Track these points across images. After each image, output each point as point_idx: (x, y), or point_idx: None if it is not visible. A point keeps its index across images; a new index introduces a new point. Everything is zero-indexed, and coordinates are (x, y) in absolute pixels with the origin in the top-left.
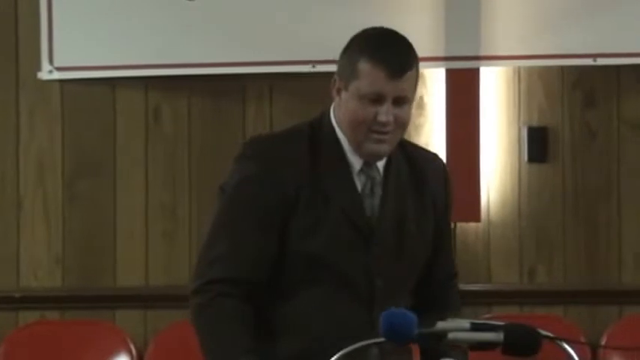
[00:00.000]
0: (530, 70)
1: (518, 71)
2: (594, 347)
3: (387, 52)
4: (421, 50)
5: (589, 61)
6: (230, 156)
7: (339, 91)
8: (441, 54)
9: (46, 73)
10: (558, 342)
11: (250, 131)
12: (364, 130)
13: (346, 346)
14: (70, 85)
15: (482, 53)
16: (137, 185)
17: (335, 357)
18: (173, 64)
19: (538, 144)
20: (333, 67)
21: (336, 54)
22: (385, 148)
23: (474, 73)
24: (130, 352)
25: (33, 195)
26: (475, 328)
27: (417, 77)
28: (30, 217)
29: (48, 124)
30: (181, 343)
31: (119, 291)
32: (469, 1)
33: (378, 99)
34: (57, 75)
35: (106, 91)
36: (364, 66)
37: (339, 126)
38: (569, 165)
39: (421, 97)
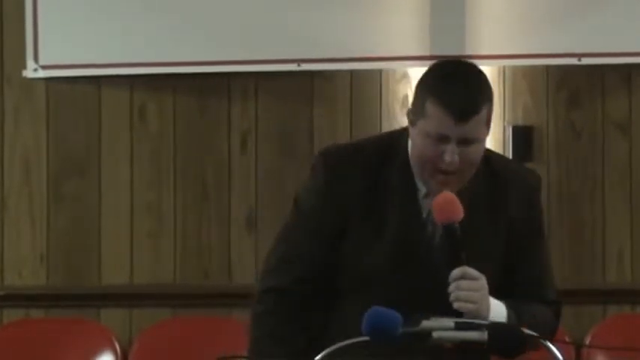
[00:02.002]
0: (515, 70)
1: (503, 70)
2: (578, 347)
3: (455, 96)
4: (406, 49)
5: (574, 61)
6: (215, 154)
7: (412, 123)
8: (427, 53)
9: (31, 72)
10: (542, 341)
11: (236, 130)
12: (430, 168)
13: None
14: (55, 83)
15: (468, 52)
16: (122, 184)
17: (319, 356)
18: (158, 63)
19: (523, 143)
20: (318, 66)
21: (321, 53)
22: (450, 189)
23: None
24: (114, 351)
25: (18, 193)
26: (459, 327)
27: (488, 115)
28: (14, 215)
29: (33, 122)
30: (166, 342)
31: (104, 289)
32: (454, 1)
33: (443, 139)
34: (42, 73)
35: (91, 89)
36: (431, 107)
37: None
38: (553, 164)
39: (406, 97)
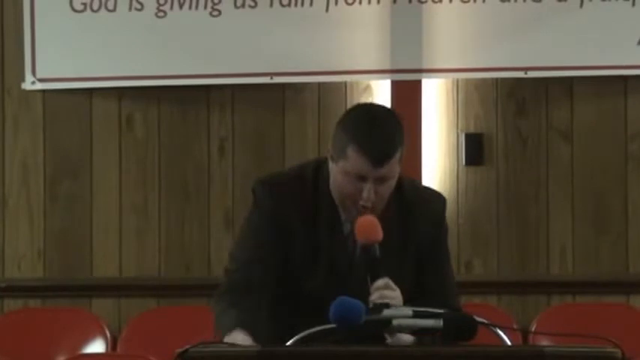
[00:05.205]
0: (468, 82)
1: (456, 82)
2: (525, 333)
3: (373, 144)
4: (368, 63)
5: (520, 74)
6: (196, 159)
7: (332, 159)
8: (387, 67)
9: (29, 84)
10: (492, 328)
11: (214, 137)
12: (349, 202)
13: None
14: (50, 94)
15: (424, 66)
16: (112, 186)
17: (290, 341)
18: (144, 76)
19: (474, 149)
20: (289, 79)
21: (292, 67)
22: None
23: (417, 85)
24: (105, 337)
25: (17, 194)
26: (417, 315)
27: (401, 155)
28: (14, 214)
29: (31, 130)
30: (151, 329)
31: (95, 281)
32: (412, 19)
33: (361, 179)
34: (39, 85)
35: (83, 100)
36: (351, 152)
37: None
38: (502, 168)
39: None
